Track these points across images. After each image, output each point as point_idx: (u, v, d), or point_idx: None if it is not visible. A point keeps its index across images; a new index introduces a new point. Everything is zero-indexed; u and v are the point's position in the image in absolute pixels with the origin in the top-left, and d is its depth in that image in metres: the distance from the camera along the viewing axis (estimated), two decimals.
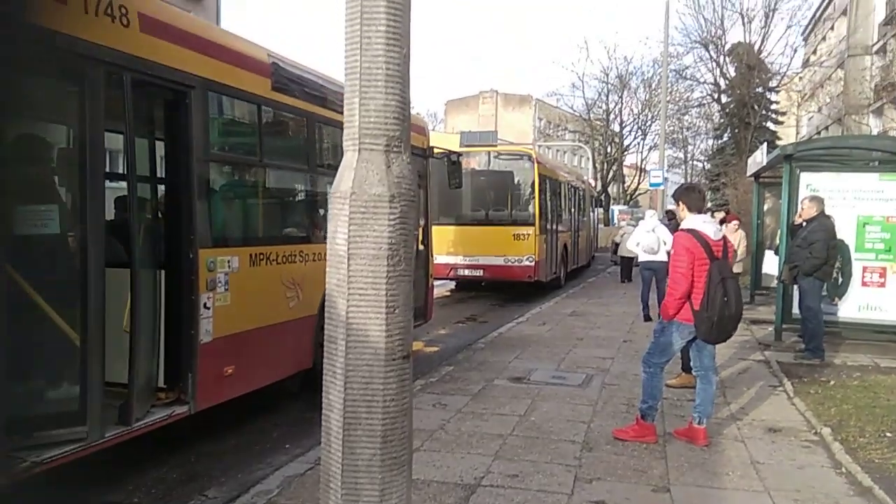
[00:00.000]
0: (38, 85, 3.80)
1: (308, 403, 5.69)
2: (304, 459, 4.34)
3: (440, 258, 13.31)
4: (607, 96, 40.94)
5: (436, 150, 8.71)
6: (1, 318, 3.24)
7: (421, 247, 8.22)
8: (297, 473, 4.10)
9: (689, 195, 4.99)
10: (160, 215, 4.77)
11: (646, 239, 9.66)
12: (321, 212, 5.98)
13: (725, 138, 33.74)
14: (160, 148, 4.84)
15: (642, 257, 10.02)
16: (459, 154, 9.29)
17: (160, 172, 4.86)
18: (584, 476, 4.12)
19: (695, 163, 44.66)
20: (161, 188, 4.87)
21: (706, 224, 4.81)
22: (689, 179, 39.19)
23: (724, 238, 4.86)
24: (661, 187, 21.92)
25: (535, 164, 13.78)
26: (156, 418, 4.22)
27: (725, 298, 4.54)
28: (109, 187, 4.23)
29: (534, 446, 4.64)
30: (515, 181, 13.96)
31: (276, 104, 5.58)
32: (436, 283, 14.90)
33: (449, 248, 13.35)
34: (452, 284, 15.39)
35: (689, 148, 43.00)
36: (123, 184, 4.33)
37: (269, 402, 5.84)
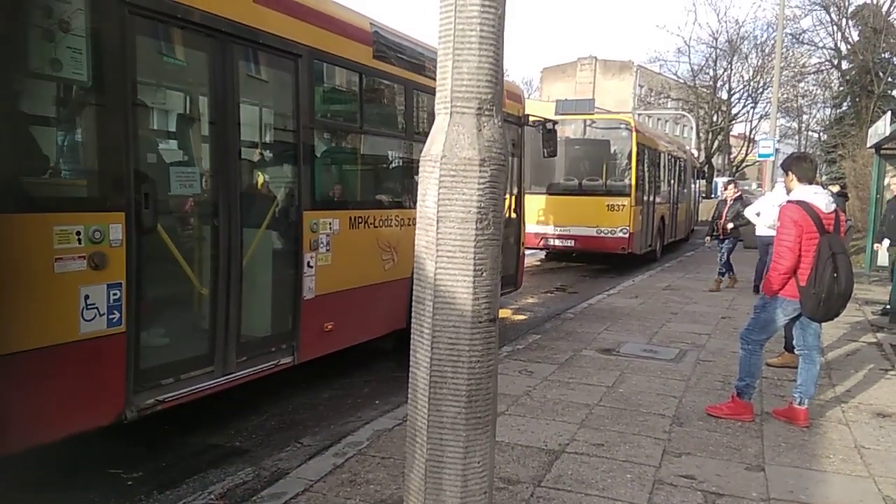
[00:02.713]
0: (167, 56, 4.17)
1: (397, 363, 5.88)
2: (392, 415, 4.49)
3: (531, 227, 13.21)
4: (715, 62, 38.70)
5: (531, 118, 8.60)
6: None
7: (513, 215, 8.22)
8: (385, 428, 4.25)
9: (800, 165, 4.70)
10: (267, 178, 5.04)
11: (772, 213, 9.16)
12: (417, 178, 5.97)
13: (845, 107, 31.17)
14: (268, 115, 5.12)
15: (760, 231, 9.56)
16: (555, 122, 9.15)
17: (270, 138, 5.16)
18: (672, 450, 4.04)
19: (809, 133, 41.70)
20: (269, 153, 5.20)
21: (817, 195, 4.52)
22: (802, 150, 36.72)
23: (837, 211, 4.55)
24: (771, 158, 20.65)
25: (633, 133, 13.31)
26: (264, 366, 4.56)
27: (835, 275, 4.28)
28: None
29: (621, 417, 4.59)
30: (611, 150, 13.57)
31: (377, 72, 5.72)
32: (526, 252, 14.89)
33: (540, 217, 13.22)
34: (542, 254, 15.27)
35: (804, 117, 40.15)
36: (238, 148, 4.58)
37: (361, 360, 6.07)
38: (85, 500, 3.46)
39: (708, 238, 11.27)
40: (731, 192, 10.72)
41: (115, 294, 3.46)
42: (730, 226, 10.42)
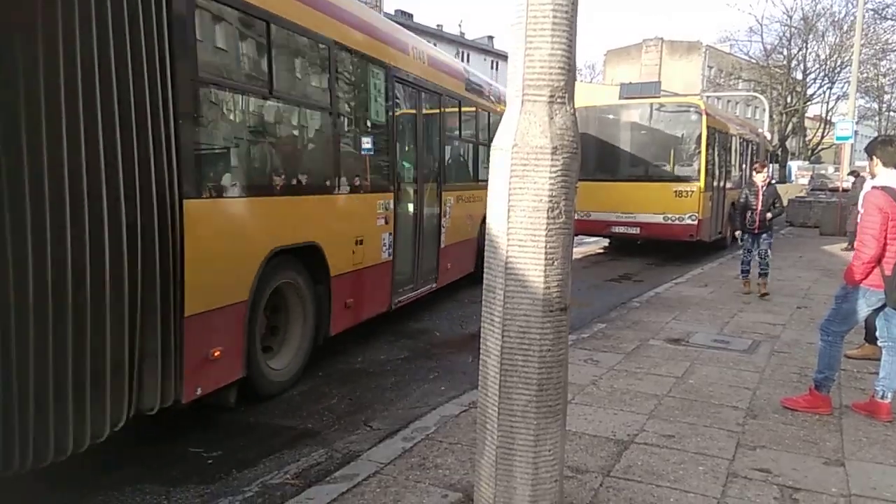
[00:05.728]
0: (404, 101, 7.07)
1: (460, 349, 6.05)
2: (458, 402, 4.54)
3: (595, 214, 13.04)
4: (789, 41, 37.03)
5: None
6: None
7: None
8: (452, 414, 4.30)
9: (885, 149, 4.49)
10: (430, 170, 7.66)
11: None
12: (483, 168, 9.09)
13: None
14: (427, 131, 7.59)
15: None
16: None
17: (429, 144, 7.69)
18: (746, 442, 3.94)
19: (891, 114, 39.47)
20: (431, 154, 7.75)
21: None
22: (883, 132, 34.73)
23: None
24: (850, 141, 19.67)
25: (704, 116, 12.84)
26: (426, 288, 7.54)
27: None
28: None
29: (692, 409, 4.50)
30: (680, 135, 13.15)
31: (467, 100, 8.71)
32: (589, 240, 14.68)
33: (605, 204, 12.98)
34: (606, 242, 15.03)
35: (886, 97, 38.00)
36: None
37: (425, 348, 6.21)
38: (167, 477, 3.64)
39: (738, 232, 9.28)
40: (762, 177, 8.84)
41: (390, 238, 6.35)
42: (768, 215, 8.78)
